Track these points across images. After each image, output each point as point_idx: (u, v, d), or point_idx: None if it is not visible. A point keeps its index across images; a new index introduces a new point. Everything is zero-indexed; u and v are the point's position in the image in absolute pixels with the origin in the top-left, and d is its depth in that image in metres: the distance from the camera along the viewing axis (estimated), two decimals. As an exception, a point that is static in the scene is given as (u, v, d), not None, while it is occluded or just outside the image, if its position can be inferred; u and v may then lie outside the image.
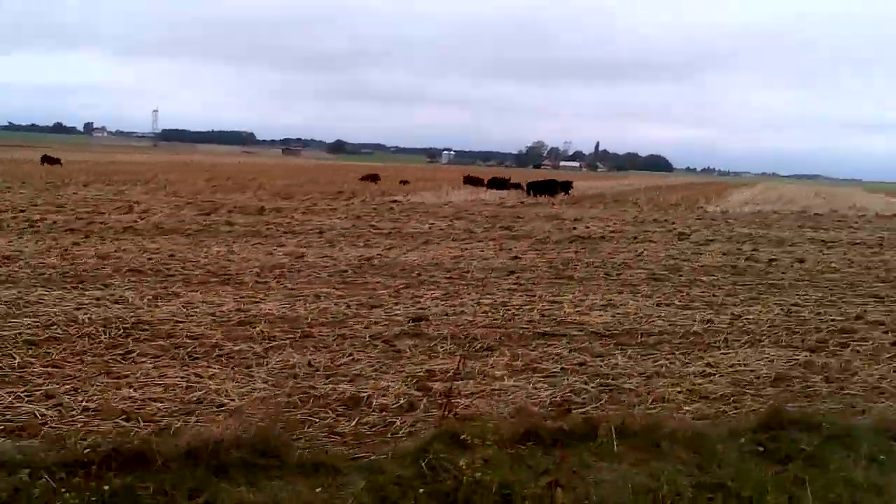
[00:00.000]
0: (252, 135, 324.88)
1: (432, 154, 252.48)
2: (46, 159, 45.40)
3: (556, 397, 7.07)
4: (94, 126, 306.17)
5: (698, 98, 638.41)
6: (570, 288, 12.78)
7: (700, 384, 7.66)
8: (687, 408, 6.94)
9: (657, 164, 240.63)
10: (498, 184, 40.48)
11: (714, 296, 12.72)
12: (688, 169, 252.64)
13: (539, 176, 51.55)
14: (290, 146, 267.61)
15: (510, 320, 10.12)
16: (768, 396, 7.34)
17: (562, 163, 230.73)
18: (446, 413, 6.13)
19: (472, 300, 11.26)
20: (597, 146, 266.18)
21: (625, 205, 36.38)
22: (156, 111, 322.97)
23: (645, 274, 14.81)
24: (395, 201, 30.64)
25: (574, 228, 23.39)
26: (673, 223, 26.92)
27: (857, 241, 23.35)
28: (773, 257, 18.10)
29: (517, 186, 39.53)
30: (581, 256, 16.91)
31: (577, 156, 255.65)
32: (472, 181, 43.27)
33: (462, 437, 5.07)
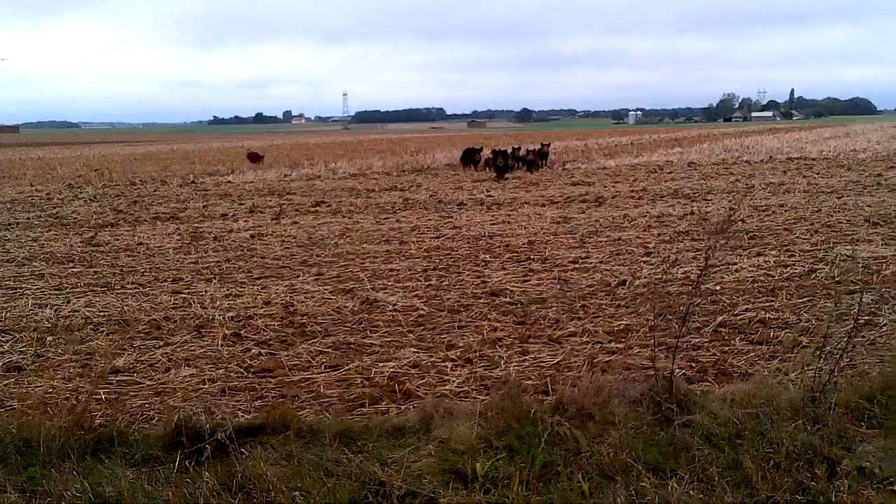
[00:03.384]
0: (442, 110, 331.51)
1: (619, 116, 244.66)
2: (252, 157, 34.88)
3: None
4: (293, 114, 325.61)
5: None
6: None
7: None
8: None
9: (860, 107, 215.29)
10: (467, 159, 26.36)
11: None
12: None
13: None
14: (475, 119, 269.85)
15: None
16: None
17: (754, 114, 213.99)
18: None
19: None
20: (791, 93, 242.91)
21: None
22: (345, 94, 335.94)
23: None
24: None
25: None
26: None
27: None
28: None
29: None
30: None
31: (771, 105, 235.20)
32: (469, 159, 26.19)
33: None
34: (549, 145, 28.53)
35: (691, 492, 4.12)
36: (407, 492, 4.26)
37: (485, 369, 6.32)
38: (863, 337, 6.53)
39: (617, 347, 6.69)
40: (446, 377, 6.16)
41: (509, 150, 25.01)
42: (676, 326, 7.15)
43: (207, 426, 4.79)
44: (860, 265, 9.10)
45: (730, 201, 15.55)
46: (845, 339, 5.10)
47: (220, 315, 7.96)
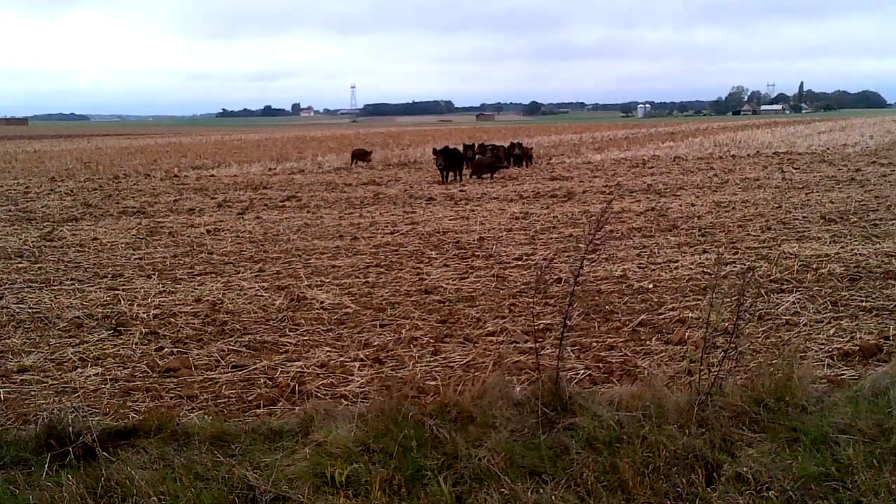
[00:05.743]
0: (450, 103, 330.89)
1: (628, 109, 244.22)
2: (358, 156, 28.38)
3: None
4: (302, 107, 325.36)
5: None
6: None
7: None
8: None
9: (870, 100, 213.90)
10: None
11: None
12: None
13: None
14: (483, 112, 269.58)
15: None
16: None
17: (763, 107, 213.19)
18: None
19: None
20: (801, 87, 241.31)
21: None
22: (353, 87, 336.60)
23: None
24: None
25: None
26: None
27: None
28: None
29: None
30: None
31: (780, 98, 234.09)
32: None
33: None
34: (519, 145, 25.25)
35: (566, 496, 4.04)
36: (276, 496, 4.19)
37: (392, 369, 6.24)
38: (769, 339, 6.43)
39: (530, 347, 6.58)
40: (351, 378, 6.07)
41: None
42: (594, 324, 7.09)
43: (71, 429, 4.73)
44: (798, 263, 8.96)
45: (696, 196, 15.41)
46: (728, 341, 4.98)
47: (144, 313, 7.90)
